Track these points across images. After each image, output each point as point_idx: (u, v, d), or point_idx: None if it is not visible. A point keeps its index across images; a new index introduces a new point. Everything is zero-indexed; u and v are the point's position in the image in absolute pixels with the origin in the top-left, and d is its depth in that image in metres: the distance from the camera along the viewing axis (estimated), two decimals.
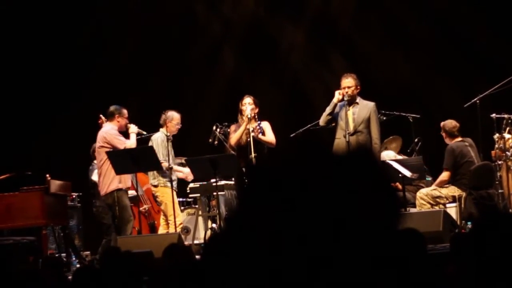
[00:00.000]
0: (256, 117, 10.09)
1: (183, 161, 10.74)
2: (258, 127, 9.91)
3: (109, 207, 10.07)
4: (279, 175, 1.72)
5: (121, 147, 9.98)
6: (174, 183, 10.58)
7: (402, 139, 11.62)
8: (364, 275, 1.66)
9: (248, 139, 9.81)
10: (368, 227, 1.67)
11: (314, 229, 1.65)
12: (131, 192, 10.97)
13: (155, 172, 10.53)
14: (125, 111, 10.26)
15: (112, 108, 10.25)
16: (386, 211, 1.70)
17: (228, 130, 10.47)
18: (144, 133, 10.45)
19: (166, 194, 10.46)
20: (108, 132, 10.05)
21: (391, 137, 11.34)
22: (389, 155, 10.92)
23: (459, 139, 10.38)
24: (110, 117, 10.21)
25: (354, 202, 1.67)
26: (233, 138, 10.11)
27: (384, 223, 1.69)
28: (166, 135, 10.47)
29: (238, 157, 9.95)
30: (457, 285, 3.27)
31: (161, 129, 10.63)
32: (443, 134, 10.45)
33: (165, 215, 10.58)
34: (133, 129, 10.27)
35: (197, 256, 6.83)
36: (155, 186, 10.64)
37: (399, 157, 10.98)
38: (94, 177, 10.73)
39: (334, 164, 1.72)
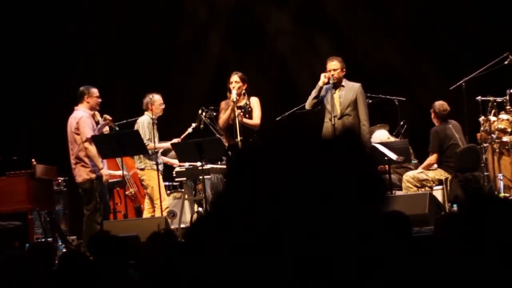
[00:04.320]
0: (245, 93, 10.05)
1: (168, 144, 10.69)
2: (242, 111, 9.88)
3: (84, 192, 9.89)
4: (265, 160, 1.71)
5: (83, 138, 9.73)
6: (160, 167, 10.56)
7: (389, 126, 11.53)
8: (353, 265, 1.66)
9: (234, 122, 9.78)
10: (355, 211, 1.67)
11: (299, 214, 1.64)
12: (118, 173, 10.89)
13: (141, 155, 10.49)
14: (94, 90, 9.98)
15: (81, 88, 9.99)
16: (373, 194, 1.70)
17: (214, 114, 10.48)
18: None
19: (152, 178, 10.42)
20: (82, 119, 9.83)
21: (378, 124, 11.27)
22: (383, 135, 10.93)
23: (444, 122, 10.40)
24: (80, 99, 9.95)
25: (340, 186, 1.67)
26: (221, 120, 10.09)
27: (370, 207, 1.69)
28: (152, 118, 10.44)
29: (227, 138, 9.95)
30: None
31: (146, 113, 10.59)
32: (432, 114, 10.42)
33: (151, 199, 10.56)
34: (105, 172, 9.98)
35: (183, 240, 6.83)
36: (142, 169, 10.60)
37: (392, 138, 10.98)
38: None
39: (320, 148, 1.71)
